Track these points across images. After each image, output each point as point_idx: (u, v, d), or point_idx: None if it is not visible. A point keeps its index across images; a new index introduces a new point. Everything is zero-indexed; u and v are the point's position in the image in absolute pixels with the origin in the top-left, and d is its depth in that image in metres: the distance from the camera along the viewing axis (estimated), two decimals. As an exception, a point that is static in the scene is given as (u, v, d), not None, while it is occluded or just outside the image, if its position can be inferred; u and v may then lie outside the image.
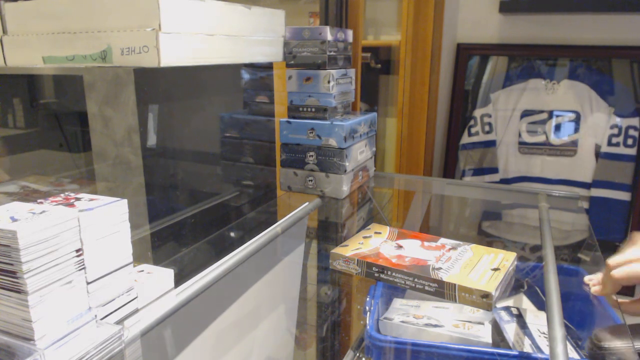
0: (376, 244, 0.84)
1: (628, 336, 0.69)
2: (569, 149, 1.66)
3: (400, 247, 0.83)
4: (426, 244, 0.85)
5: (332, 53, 0.95)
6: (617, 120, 1.60)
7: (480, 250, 0.82)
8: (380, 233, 0.90)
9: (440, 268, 0.74)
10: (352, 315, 1.19)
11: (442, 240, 0.87)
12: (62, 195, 0.50)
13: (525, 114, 1.70)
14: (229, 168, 1.33)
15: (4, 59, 0.64)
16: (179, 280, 0.59)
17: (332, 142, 0.95)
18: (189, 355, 0.66)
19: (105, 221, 0.47)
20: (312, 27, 0.93)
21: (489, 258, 0.79)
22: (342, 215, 1.08)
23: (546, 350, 0.65)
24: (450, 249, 0.83)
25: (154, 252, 1.01)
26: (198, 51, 0.63)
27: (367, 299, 0.88)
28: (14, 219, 0.41)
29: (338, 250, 0.82)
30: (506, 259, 0.79)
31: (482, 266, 0.75)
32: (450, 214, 1.71)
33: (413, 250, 0.82)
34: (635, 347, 0.68)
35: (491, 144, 1.74)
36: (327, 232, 1.11)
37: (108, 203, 0.48)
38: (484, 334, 0.79)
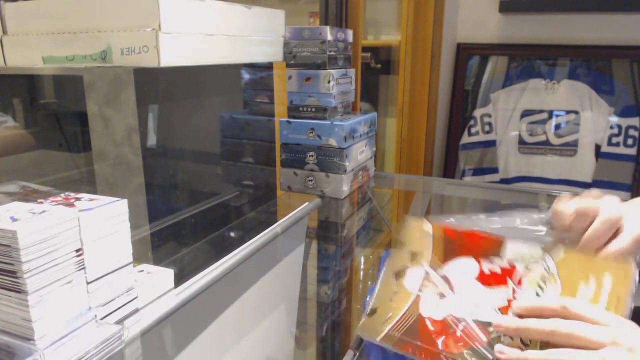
0: (414, 287, 0.56)
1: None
2: (569, 149, 1.66)
3: (449, 286, 0.55)
4: (485, 267, 0.55)
5: (332, 53, 0.95)
6: (617, 120, 1.60)
7: (573, 265, 0.50)
8: (416, 255, 0.59)
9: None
10: (352, 315, 1.20)
11: (511, 250, 0.54)
12: (62, 195, 0.50)
13: (525, 113, 1.70)
14: (229, 168, 1.33)
15: (4, 59, 0.64)
16: (179, 280, 0.59)
17: (332, 142, 0.95)
18: (188, 355, 0.66)
19: (105, 221, 0.47)
20: (312, 27, 0.93)
21: (592, 286, 0.46)
22: (342, 215, 1.08)
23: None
24: (523, 274, 0.53)
25: (154, 252, 1.01)
26: (198, 51, 0.63)
27: (367, 298, 0.88)
28: (14, 219, 0.41)
29: (368, 326, 0.55)
30: (622, 283, 0.47)
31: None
32: (451, 214, 1.70)
33: (467, 294, 0.54)
34: None
35: (491, 143, 1.74)
36: (327, 232, 1.11)
37: (108, 203, 0.48)
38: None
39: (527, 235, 0.57)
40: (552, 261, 0.52)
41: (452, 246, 0.58)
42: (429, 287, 0.56)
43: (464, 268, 0.56)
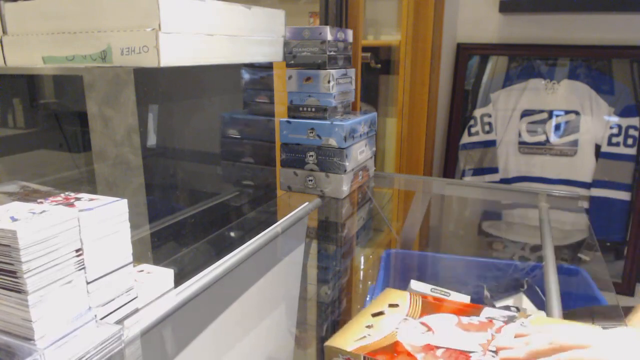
0: (392, 325, 0.58)
1: (621, 316, 0.70)
2: (569, 149, 1.66)
3: (428, 329, 0.57)
4: (464, 320, 0.58)
5: (332, 53, 0.95)
6: (617, 119, 1.60)
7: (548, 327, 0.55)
8: (396, 305, 0.62)
9: None
10: (352, 315, 1.20)
11: (488, 312, 0.59)
12: (62, 195, 0.50)
13: (525, 113, 1.70)
14: (229, 168, 1.33)
15: (4, 59, 0.64)
16: (179, 280, 0.59)
17: (332, 142, 0.95)
18: (188, 355, 0.66)
19: (105, 221, 0.47)
20: (312, 27, 0.93)
21: None
22: (342, 215, 1.08)
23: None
24: (501, 326, 0.56)
25: (154, 252, 1.01)
26: (198, 51, 0.63)
27: (367, 298, 0.88)
28: (14, 219, 0.41)
29: (335, 341, 0.55)
30: None
31: None
32: (450, 214, 1.70)
33: (447, 333, 0.56)
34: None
35: (491, 143, 1.74)
36: (327, 232, 1.11)
37: (108, 203, 0.48)
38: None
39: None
40: (526, 320, 0.57)
41: (430, 306, 0.62)
42: (408, 327, 0.58)
43: (443, 318, 0.60)
